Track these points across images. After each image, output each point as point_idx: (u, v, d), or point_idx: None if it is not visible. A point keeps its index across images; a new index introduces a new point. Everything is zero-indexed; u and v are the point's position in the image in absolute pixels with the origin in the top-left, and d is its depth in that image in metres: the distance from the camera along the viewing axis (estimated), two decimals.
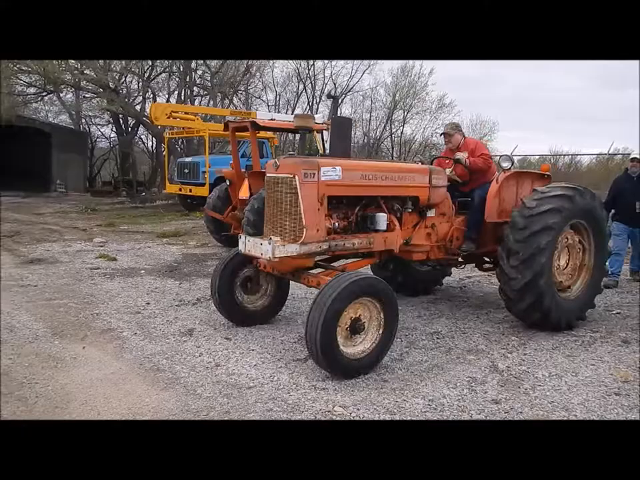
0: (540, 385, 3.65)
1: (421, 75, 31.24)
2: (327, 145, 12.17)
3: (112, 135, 32.80)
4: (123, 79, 26.09)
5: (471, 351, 4.36)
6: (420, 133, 33.61)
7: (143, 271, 7.09)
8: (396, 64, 31.55)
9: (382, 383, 3.62)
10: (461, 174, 5.35)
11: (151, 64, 25.05)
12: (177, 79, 26.30)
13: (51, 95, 26.48)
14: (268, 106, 30.32)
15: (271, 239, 3.96)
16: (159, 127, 19.36)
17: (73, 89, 26.06)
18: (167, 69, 25.97)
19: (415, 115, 32.92)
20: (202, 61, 24.86)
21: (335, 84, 31.60)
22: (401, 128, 33.29)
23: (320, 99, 32.26)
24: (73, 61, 22.74)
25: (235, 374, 3.69)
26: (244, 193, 8.12)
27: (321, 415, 3.09)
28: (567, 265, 4.99)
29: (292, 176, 3.99)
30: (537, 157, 26.36)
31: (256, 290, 4.86)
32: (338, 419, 3.06)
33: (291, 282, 4.73)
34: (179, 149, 23.92)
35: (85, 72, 22.94)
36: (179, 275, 6.88)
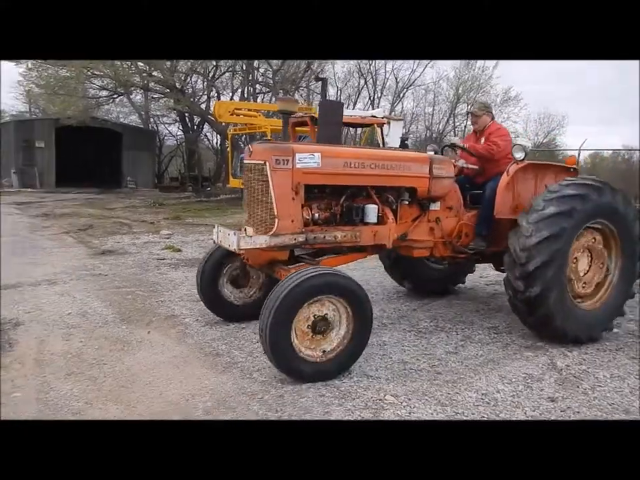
0: (600, 386, 3.51)
1: (484, 68, 30.37)
2: (387, 139, 12.18)
3: (179, 133, 34.08)
4: (189, 79, 27.00)
5: (529, 347, 4.24)
6: None
7: None
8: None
9: (435, 374, 3.60)
10: (470, 161, 4.94)
11: (215, 64, 25.77)
12: (240, 78, 26.90)
13: (121, 97, 27.81)
14: None
15: (240, 229, 3.88)
16: (223, 124, 19.98)
17: (142, 91, 27.26)
18: (231, 68, 26.65)
19: None
20: (264, 60, 25.37)
21: (396, 78, 31.31)
22: (465, 122, 32.51)
23: (381, 93, 32.08)
24: (141, 64, 23.86)
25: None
26: None
27: (372, 403, 3.12)
28: (589, 270, 4.41)
29: (263, 162, 3.74)
30: (610, 152, 24.98)
31: (245, 284, 4.71)
32: (388, 406, 3.09)
33: None
34: (241, 144, 24.57)
35: (152, 74, 23.95)
36: None
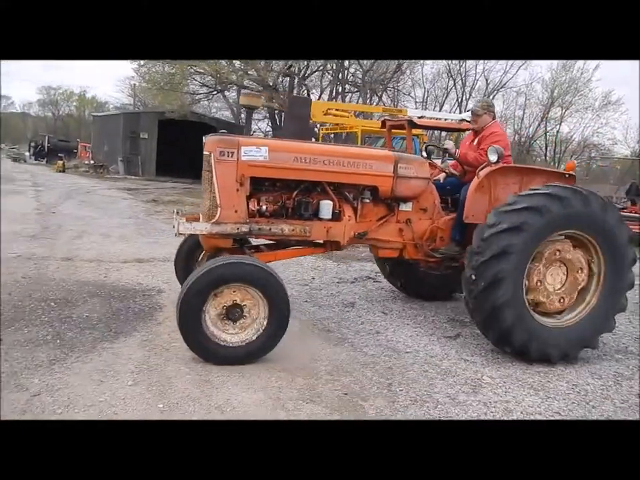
0: None
1: (584, 70, 29.12)
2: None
3: (267, 129, 35.49)
4: (281, 77, 28.11)
5: (620, 351, 4.48)
6: (579, 132, 31.36)
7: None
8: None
9: (528, 365, 3.96)
10: (453, 166, 4.88)
11: (306, 64, 26.68)
12: (330, 77, 27.64)
13: (218, 94, 29.44)
14: (415, 102, 30.55)
15: (178, 214, 4.11)
16: (312, 123, 20.80)
17: (237, 88, 28.75)
18: (321, 68, 27.46)
19: (575, 113, 30.77)
20: (355, 60, 25.94)
21: (486, 80, 30.80)
22: (558, 126, 31.36)
23: (470, 95, 31.66)
24: (238, 63, 25.24)
25: (393, 340, 4.31)
26: None
27: (471, 381, 3.57)
28: (564, 284, 4.12)
29: (209, 153, 3.88)
30: None
31: None
32: (485, 385, 3.52)
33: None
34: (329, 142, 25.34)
35: (248, 72, 25.23)
36: (335, 258, 7.70)
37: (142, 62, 25.60)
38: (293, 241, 4.26)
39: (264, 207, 4.09)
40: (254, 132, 37.35)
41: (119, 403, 2.91)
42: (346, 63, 26.63)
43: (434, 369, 3.76)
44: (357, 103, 26.53)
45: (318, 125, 20.89)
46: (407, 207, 4.48)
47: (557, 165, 27.81)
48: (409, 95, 30.59)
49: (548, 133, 31.79)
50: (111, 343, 3.80)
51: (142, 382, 3.20)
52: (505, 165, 4.47)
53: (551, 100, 30.26)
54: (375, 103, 27.19)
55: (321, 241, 4.35)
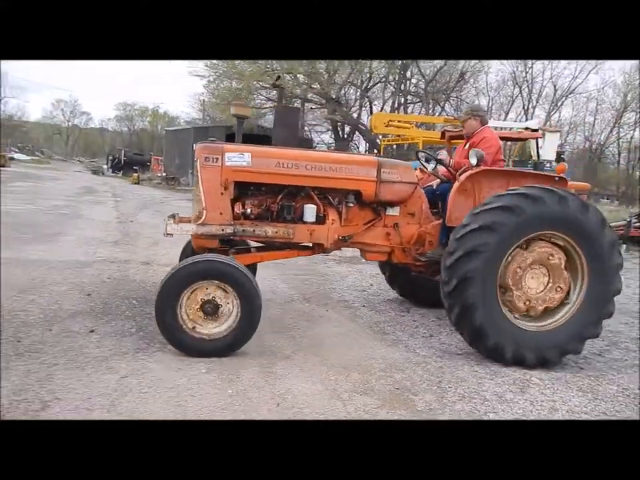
0: None
1: None
2: (541, 151, 12.02)
3: (330, 141, 36.13)
4: (343, 90, 28.65)
5: None
6: None
7: (364, 260, 8.30)
8: (630, 61, 28.46)
9: (578, 369, 4.04)
10: (444, 173, 4.90)
11: (369, 76, 27.09)
12: (392, 88, 27.86)
13: None
14: None
15: (173, 217, 4.35)
16: (374, 134, 21.08)
17: (300, 101, 29.58)
18: (383, 79, 27.78)
19: None
20: (417, 70, 26.07)
21: (554, 86, 29.94)
22: (632, 132, 29.92)
23: (537, 102, 30.85)
24: (301, 77, 26.04)
25: (445, 343, 4.50)
26: None
27: (519, 382, 3.71)
28: (547, 286, 4.08)
29: (196, 159, 4.11)
30: None
31: None
32: (534, 385, 3.64)
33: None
34: (390, 154, 25.52)
35: (312, 86, 25.93)
36: None
37: (211, 79, 27.01)
38: (279, 243, 4.40)
39: (249, 210, 4.29)
40: (317, 145, 38.23)
41: (194, 387, 3.30)
42: (408, 73, 26.82)
43: (484, 369, 3.92)
44: (419, 113, 26.59)
45: (380, 137, 21.19)
46: (394, 212, 4.55)
47: (631, 172, 26.49)
48: (472, 103, 30.18)
49: (621, 139, 30.38)
50: None
51: (213, 371, 3.58)
52: (485, 167, 4.44)
53: (624, 104, 28.97)
54: (437, 113, 27.14)
55: (310, 244, 4.48)
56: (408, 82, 27.58)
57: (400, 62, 24.96)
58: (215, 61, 25.21)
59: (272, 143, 4.91)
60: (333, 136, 33.63)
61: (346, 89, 29.07)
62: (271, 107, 29.70)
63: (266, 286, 6.15)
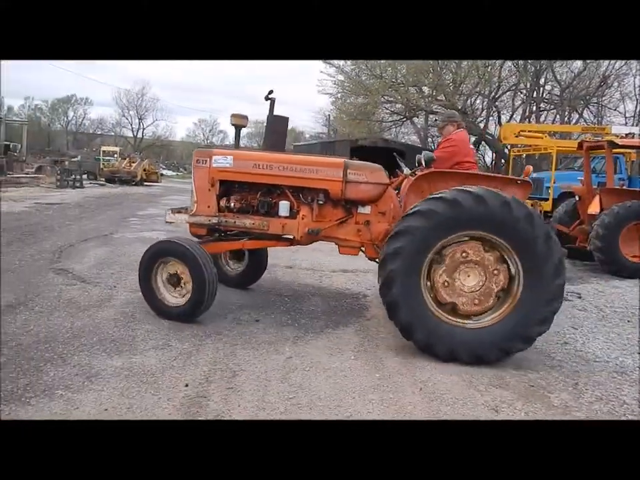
0: None
1: None
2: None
3: None
4: (469, 100, 28.16)
5: None
6: None
7: None
8: None
9: None
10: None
11: (497, 84, 26.38)
12: (523, 96, 26.84)
13: (406, 120, 30.64)
14: (625, 118, 27.79)
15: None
16: (502, 145, 20.59)
17: (424, 113, 29.59)
18: (513, 87, 26.87)
19: None
20: (552, 76, 24.90)
21: None
22: None
23: None
24: (426, 89, 26.15)
25: (582, 351, 4.59)
26: (594, 208, 8.54)
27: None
28: (482, 286, 4.08)
29: (192, 163, 5.03)
30: None
31: (238, 257, 6.01)
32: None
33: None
34: (519, 164, 24.61)
35: (437, 97, 25.91)
36: None
37: (338, 95, 28.21)
38: (257, 233, 5.00)
39: (232, 204, 5.00)
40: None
41: (346, 370, 3.85)
42: (541, 80, 25.69)
43: (622, 377, 3.99)
44: (554, 121, 25.32)
45: (508, 147, 20.63)
46: (365, 210, 4.85)
47: None
48: (616, 109, 27.97)
49: None
50: (334, 329, 4.83)
51: (361, 358, 4.11)
52: (433, 170, 4.55)
53: None
54: (574, 121, 25.63)
55: (294, 237, 4.95)
56: (541, 89, 26.37)
57: (532, 68, 24.08)
58: (341, 78, 26.36)
59: (262, 147, 5.69)
60: None
61: (472, 99, 28.57)
62: (394, 121, 30.17)
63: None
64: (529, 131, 15.37)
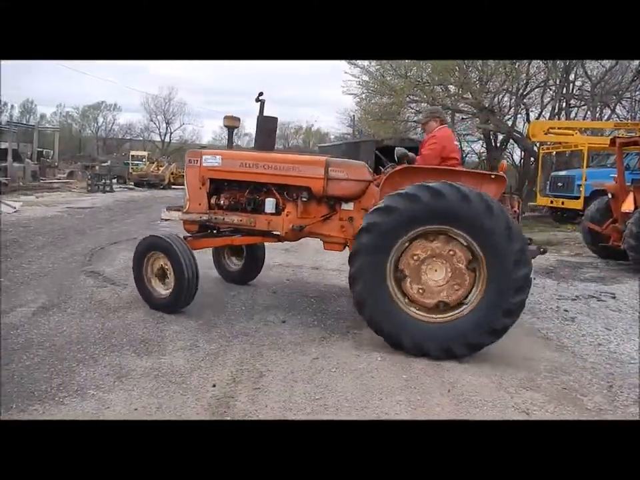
0: None
1: None
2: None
3: (481, 151, 35.09)
4: (497, 98, 27.70)
5: None
6: None
7: None
8: None
9: None
10: None
11: (525, 81, 25.89)
12: (552, 93, 26.28)
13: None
14: None
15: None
16: (531, 142, 20.19)
17: (450, 112, 29.23)
18: (542, 84, 26.32)
19: None
20: (582, 71, 24.30)
21: None
22: None
23: None
24: (452, 88, 25.84)
25: (616, 352, 4.47)
26: (628, 206, 8.30)
27: None
28: (450, 279, 4.11)
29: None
30: None
31: (239, 254, 6.21)
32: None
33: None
34: (548, 162, 24.10)
35: (463, 96, 25.57)
36: (555, 276, 7.75)
37: (363, 96, 28.15)
38: (246, 229, 5.18)
39: (222, 202, 5.20)
40: (467, 154, 37.36)
41: (373, 371, 3.82)
42: (571, 76, 25.10)
43: None
44: (584, 118, 24.72)
45: (537, 145, 20.21)
46: (348, 207, 4.92)
47: None
48: None
49: None
50: (360, 330, 4.79)
51: (387, 359, 4.07)
52: (405, 166, 4.59)
53: None
54: (605, 117, 24.97)
55: (279, 233, 5.08)
56: (571, 85, 25.71)
57: (562, 64, 23.55)
58: (366, 79, 26.26)
59: (254, 147, 5.77)
60: (484, 145, 32.65)
61: (500, 97, 28.08)
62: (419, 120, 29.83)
63: None
64: (558, 128, 15.04)
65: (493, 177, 4.34)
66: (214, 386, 3.41)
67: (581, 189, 13.53)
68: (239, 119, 5.79)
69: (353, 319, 5.14)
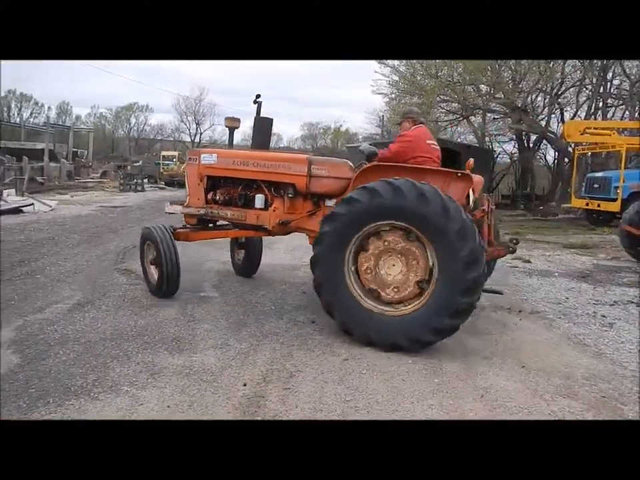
0: None
1: None
2: None
3: (513, 151, 34.45)
4: (530, 97, 27.11)
5: None
6: None
7: (556, 274, 8.05)
8: None
9: None
10: None
11: (560, 80, 25.28)
12: (589, 92, 25.60)
13: (463, 119, 29.92)
14: None
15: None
16: (566, 143, 19.70)
17: (481, 112, 28.74)
18: (578, 83, 25.66)
19: None
20: (620, 70, 23.58)
21: None
22: None
23: None
24: (484, 87, 25.42)
25: None
26: None
27: None
28: (403, 275, 4.25)
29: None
30: None
31: (243, 247, 6.61)
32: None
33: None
34: (583, 163, 23.48)
35: (495, 96, 25.13)
36: (592, 281, 7.53)
37: (393, 95, 27.95)
38: (237, 223, 5.55)
39: (217, 197, 5.60)
40: (498, 155, 36.74)
41: (404, 374, 3.77)
42: (609, 75, 24.40)
43: None
44: (622, 118, 23.99)
45: (572, 145, 19.71)
46: (331, 203, 5.01)
47: None
48: None
49: None
50: None
51: (418, 362, 4.02)
52: (377, 163, 4.70)
53: None
54: None
55: (269, 227, 5.27)
56: (608, 83, 24.98)
57: (598, 62, 22.91)
58: (396, 78, 26.07)
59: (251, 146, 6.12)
60: (516, 146, 32.05)
61: (533, 96, 27.49)
62: (450, 120, 29.52)
63: None
64: (594, 128, 14.65)
65: (459, 175, 4.41)
66: (245, 385, 3.42)
67: (618, 190, 13.14)
68: (239, 120, 6.17)
69: None
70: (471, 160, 4.57)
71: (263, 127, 6.00)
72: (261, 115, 5.91)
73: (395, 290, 4.27)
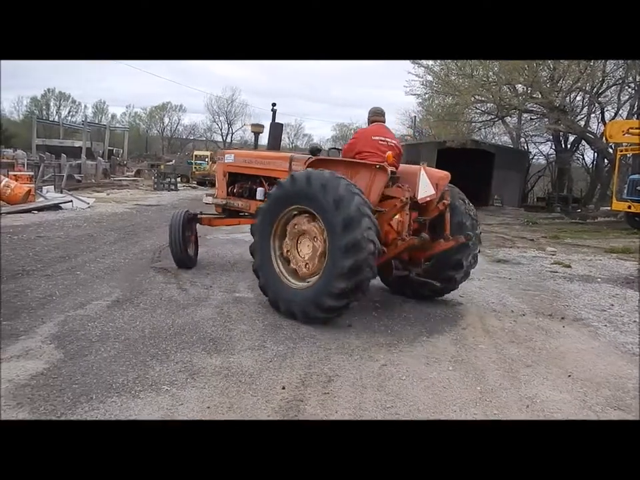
0: None
1: None
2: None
3: (549, 152, 33.60)
4: (569, 97, 26.37)
5: None
6: None
7: (599, 279, 7.78)
8: None
9: None
10: None
11: (601, 79, 24.51)
12: (631, 91, 24.76)
13: (498, 120, 29.32)
14: None
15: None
16: (608, 143, 19.10)
17: (517, 112, 28.09)
18: (620, 81, 24.83)
19: None
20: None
21: None
22: None
23: None
24: (521, 87, 24.82)
25: None
26: None
27: None
28: (310, 255, 4.87)
29: None
30: None
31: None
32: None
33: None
34: (624, 164, 22.71)
35: (533, 95, 24.50)
36: (637, 287, 7.23)
37: (426, 96, 27.61)
38: (245, 212, 6.55)
39: (234, 190, 6.64)
40: (534, 156, 35.89)
41: (444, 381, 3.68)
42: None
43: None
44: None
45: (612, 146, 19.09)
46: None
47: None
48: None
49: None
50: (428, 337, 4.66)
51: (459, 369, 3.92)
52: (317, 157, 5.39)
53: None
54: None
55: None
56: None
57: None
58: (430, 79, 25.73)
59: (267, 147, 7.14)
60: (554, 147, 31.25)
61: (572, 96, 26.72)
62: (484, 121, 28.97)
63: (495, 299, 6.28)
64: (638, 128, 14.13)
65: (377, 167, 4.98)
66: (283, 388, 3.38)
67: None
68: (263, 126, 7.39)
69: (420, 325, 5.01)
70: (390, 153, 5.04)
71: (275, 130, 7.05)
72: (275, 121, 7.03)
73: (306, 266, 4.89)
